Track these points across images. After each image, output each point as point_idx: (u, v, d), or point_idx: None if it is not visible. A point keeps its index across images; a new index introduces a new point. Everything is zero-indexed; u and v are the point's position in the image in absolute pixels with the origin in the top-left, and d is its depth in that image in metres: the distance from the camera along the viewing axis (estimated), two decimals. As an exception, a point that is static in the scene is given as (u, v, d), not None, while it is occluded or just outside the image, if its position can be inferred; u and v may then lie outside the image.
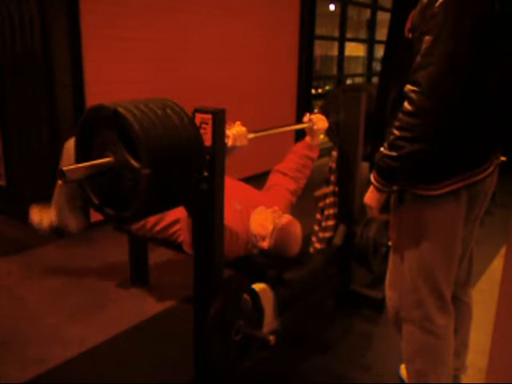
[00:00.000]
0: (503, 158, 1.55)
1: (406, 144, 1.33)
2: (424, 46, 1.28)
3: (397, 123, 1.34)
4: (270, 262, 2.13)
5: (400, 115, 1.33)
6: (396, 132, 1.35)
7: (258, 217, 2.09)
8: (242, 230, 2.05)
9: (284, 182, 2.35)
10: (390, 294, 1.71)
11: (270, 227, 2.04)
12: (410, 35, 1.38)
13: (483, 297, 2.37)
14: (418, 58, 1.29)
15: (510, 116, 1.44)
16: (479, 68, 1.31)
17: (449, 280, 1.56)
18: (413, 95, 1.29)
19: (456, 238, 1.51)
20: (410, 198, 1.49)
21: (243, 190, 2.31)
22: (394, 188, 1.53)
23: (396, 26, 1.50)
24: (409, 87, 1.31)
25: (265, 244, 2.05)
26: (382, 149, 1.40)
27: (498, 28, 1.30)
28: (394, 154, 1.36)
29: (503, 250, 3.04)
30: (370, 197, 1.54)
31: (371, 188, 1.52)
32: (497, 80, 1.36)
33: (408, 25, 1.41)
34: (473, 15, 1.25)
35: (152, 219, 2.16)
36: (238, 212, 2.11)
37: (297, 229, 2.08)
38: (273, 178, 2.41)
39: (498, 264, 2.99)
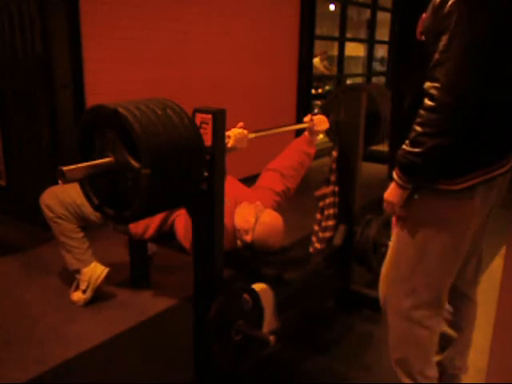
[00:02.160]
0: None
1: (428, 139, 1.33)
2: (441, 44, 1.28)
3: (418, 119, 1.34)
4: (270, 261, 2.14)
5: (421, 111, 1.34)
6: (418, 128, 1.35)
7: (241, 211, 2.13)
8: (229, 225, 2.08)
9: (272, 184, 2.35)
10: (382, 285, 1.73)
11: (253, 221, 2.08)
12: (423, 37, 1.39)
13: (483, 297, 2.36)
14: (436, 55, 1.30)
15: None
16: (498, 61, 1.31)
17: (449, 274, 1.56)
18: (433, 91, 1.29)
19: (467, 232, 1.50)
20: (427, 192, 1.49)
21: (232, 185, 2.32)
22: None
23: (406, 30, 1.51)
24: (428, 84, 1.31)
25: (248, 237, 2.09)
26: (404, 146, 1.40)
27: None
28: (416, 150, 1.36)
29: (503, 250, 3.04)
30: (392, 193, 1.52)
31: (393, 185, 1.51)
32: None
33: (419, 28, 1.43)
34: (489, 9, 1.26)
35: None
36: (226, 207, 2.14)
37: (278, 222, 2.12)
38: (262, 178, 2.41)
39: (498, 264, 2.99)
